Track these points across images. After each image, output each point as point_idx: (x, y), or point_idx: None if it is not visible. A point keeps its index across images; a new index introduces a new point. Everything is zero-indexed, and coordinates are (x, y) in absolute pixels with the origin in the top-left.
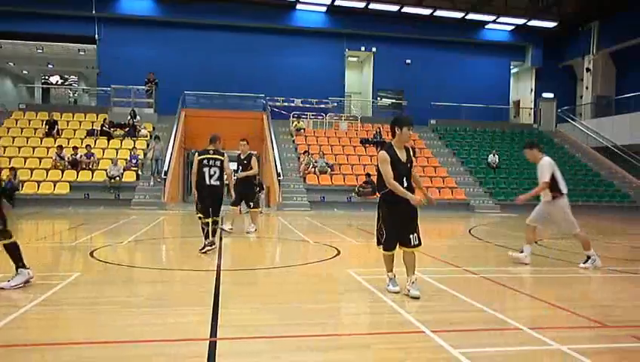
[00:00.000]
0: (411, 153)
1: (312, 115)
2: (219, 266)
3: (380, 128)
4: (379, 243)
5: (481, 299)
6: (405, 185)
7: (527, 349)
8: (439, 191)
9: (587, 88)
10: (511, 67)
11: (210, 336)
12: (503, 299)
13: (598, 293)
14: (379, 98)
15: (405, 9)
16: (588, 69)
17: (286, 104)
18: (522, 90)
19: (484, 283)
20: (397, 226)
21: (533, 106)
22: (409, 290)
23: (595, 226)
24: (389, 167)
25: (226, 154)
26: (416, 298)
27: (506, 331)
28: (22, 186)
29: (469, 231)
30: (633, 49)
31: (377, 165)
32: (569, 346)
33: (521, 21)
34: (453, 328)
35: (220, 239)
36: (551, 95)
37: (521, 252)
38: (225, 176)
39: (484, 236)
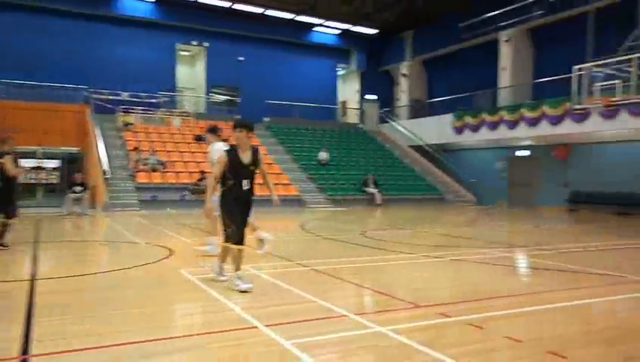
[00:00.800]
0: (258, 155)
1: (142, 110)
2: (33, 275)
3: (215, 125)
4: (229, 238)
5: (311, 291)
6: (247, 187)
7: (352, 334)
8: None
9: (403, 92)
10: (338, 69)
11: (22, 354)
12: (331, 288)
13: (412, 278)
14: (212, 94)
15: (237, 5)
16: (404, 75)
17: (112, 97)
18: (349, 91)
19: (314, 275)
20: (242, 219)
21: (358, 107)
22: (238, 285)
23: (410, 217)
24: (222, 168)
25: (8, 156)
26: (246, 291)
27: (333, 319)
28: None
29: (302, 226)
30: (441, 58)
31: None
32: (388, 327)
33: (345, 26)
34: (286, 320)
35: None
36: (374, 97)
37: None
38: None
39: (315, 230)
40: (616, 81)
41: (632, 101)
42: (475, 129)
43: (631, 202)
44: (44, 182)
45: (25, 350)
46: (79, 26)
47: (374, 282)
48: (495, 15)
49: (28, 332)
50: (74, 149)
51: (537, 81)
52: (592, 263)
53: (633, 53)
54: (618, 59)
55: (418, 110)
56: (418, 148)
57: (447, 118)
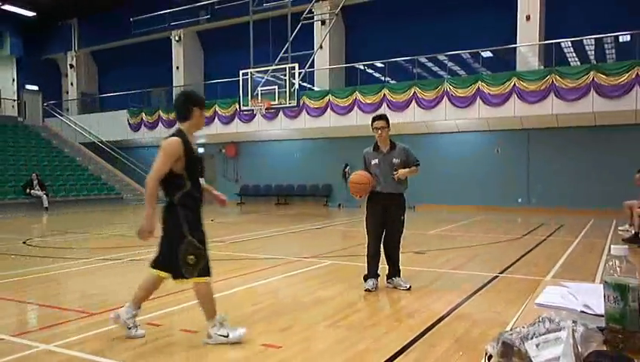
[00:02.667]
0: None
1: None
2: None
3: None
4: (194, 272)
5: None
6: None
7: (10, 358)
8: None
9: (72, 84)
10: None
11: None
12: None
13: (86, 284)
14: None
15: None
16: (71, 65)
17: None
18: (3, 79)
19: None
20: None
21: (16, 98)
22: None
23: (85, 219)
24: (171, 164)
25: None
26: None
27: None
28: None
29: None
30: (113, 50)
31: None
32: (55, 343)
33: None
34: None
35: None
36: (35, 87)
37: None
38: None
39: None
40: (274, 87)
41: (286, 105)
42: (152, 126)
43: (287, 193)
44: None
45: None
46: None
47: (40, 295)
48: (166, 13)
49: None
50: None
51: (208, 82)
52: (257, 250)
53: (285, 64)
54: (273, 67)
55: (89, 105)
56: (91, 145)
57: (122, 115)
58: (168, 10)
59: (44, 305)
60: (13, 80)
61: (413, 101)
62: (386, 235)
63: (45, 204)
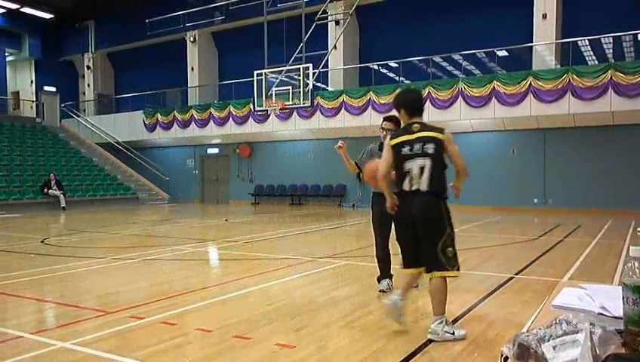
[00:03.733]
0: None
1: None
2: None
3: None
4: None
5: None
6: None
7: (30, 356)
8: None
9: (89, 85)
10: (7, 54)
11: None
12: (5, 307)
13: (102, 283)
14: None
15: None
16: (88, 67)
17: None
18: (21, 81)
19: None
20: None
21: (35, 99)
22: None
23: (101, 219)
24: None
25: None
26: None
27: (6, 342)
28: None
29: None
30: (128, 52)
31: None
32: (72, 341)
33: (13, 6)
34: None
35: None
36: (53, 89)
37: None
38: None
39: None
40: (288, 88)
41: (300, 106)
42: (167, 127)
43: (301, 193)
44: None
45: None
46: None
47: (58, 294)
48: (181, 15)
49: None
50: None
51: (222, 83)
52: (271, 250)
53: (299, 65)
54: (287, 68)
55: (106, 105)
56: (108, 146)
57: (138, 115)
58: (183, 12)
59: (61, 304)
60: (32, 81)
61: (428, 101)
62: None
63: (63, 203)
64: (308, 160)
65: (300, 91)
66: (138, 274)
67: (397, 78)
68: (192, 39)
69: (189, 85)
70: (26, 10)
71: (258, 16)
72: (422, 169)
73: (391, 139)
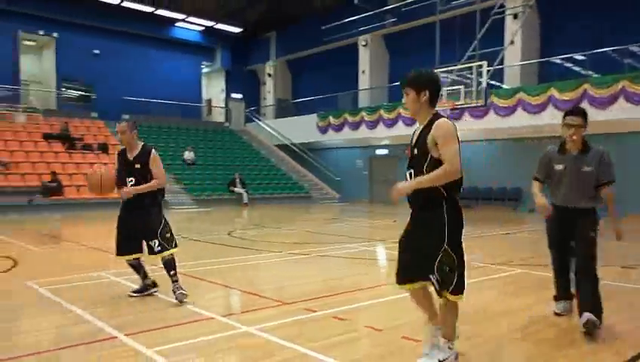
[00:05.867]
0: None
1: None
2: None
3: (67, 122)
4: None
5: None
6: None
7: (218, 336)
8: None
9: (269, 92)
10: (202, 67)
11: None
12: (197, 291)
13: (279, 275)
14: (64, 89)
15: None
16: (269, 74)
17: None
18: (214, 89)
19: (180, 279)
20: None
21: (224, 106)
22: None
23: (278, 215)
24: None
25: None
26: None
27: (199, 322)
28: None
29: None
30: (304, 59)
31: None
32: (254, 326)
33: (209, 23)
34: (148, 327)
35: None
36: (239, 96)
37: None
38: None
39: (180, 231)
40: (459, 87)
41: (472, 105)
42: (338, 129)
43: (471, 196)
44: None
45: None
46: None
47: (241, 282)
48: (354, 20)
49: None
50: None
51: (393, 84)
52: None
53: (472, 62)
54: (460, 67)
55: (283, 110)
56: (284, 148)
57: (312, 118)
58: (356, 17)
59: (245, 291)
60: (222, 90)
61: (622, 96)
62: (575, 258)
63: (245, 200)
64: (478, 161)
65: (472, 90)
66: (311, 268)
67: (583, 72)
68: (363, 43)
69: (359, 88)
70: (220, 26)
71: (430, 15)
72: None
73: None
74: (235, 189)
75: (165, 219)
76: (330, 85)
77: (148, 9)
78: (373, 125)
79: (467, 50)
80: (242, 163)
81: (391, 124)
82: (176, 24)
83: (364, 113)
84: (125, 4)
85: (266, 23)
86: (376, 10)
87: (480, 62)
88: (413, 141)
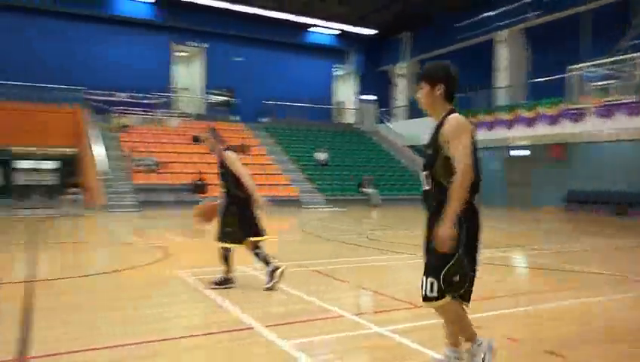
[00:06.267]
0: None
1: (138, 111)
2: (30, 277)
3: (213, 127)
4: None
5: (310, 291)
6: None
7: (350, 334)
8: (273, 189)
9: (401, 92)
10: (335, 70)
11: (19, 356)
12: (330, 289)
13: (411, 278)
14: (210, 95)
15: (235, 6)
16: (401, 75)
17: (107, 98)
18: (346, 91)
19: (313, 276)
20: None
21: (355, 107)
22: None
23: (408, 217)
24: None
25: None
26: None
27: (332, 319)
28: None
29: (300, 226)
30: (437, 58)
31: None
32: (386, 327)
33: (343, 27)
34: (284, 321)
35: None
36: (371, 97)
37: None
38: None
39: (314, 230)
40: (611, 81)
41: (626, 101)
42: None
43: (626, 201)
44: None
45: (23, 351)
46: (76, 27)
47: (373, 282)
48: (490, 15)
49: (26, 334)
50: (70, 150)
51: (532, 80)
52: (586, 262)
53: (629, 54)
54: (614, 59)
55: (415, 110)
56: (414, 148)
57: None
58: (493, 12)
59: (375, 292)
60: (354, 92)
61: None
62: None
63: (375, 201)
64: (631, 163)
65: (626, 85)
66: None
67: None
68: (500, 39)
69: (494, 86)
70: (354, 29)
71: (578, 5)
72: None
73: None
74: (365, 190)
75: (239, 216)
76: (463, 84)
77: (286, 16)
78: (509, 124)
79: (617, 42)
80: (372, 163)
81: (530, 122)
82: (311, 29)
83: (500, 112)
84: (266, 13)
85: (399, 24)
86: (516, 4)
87: (637, 54)
88: (427, 140)
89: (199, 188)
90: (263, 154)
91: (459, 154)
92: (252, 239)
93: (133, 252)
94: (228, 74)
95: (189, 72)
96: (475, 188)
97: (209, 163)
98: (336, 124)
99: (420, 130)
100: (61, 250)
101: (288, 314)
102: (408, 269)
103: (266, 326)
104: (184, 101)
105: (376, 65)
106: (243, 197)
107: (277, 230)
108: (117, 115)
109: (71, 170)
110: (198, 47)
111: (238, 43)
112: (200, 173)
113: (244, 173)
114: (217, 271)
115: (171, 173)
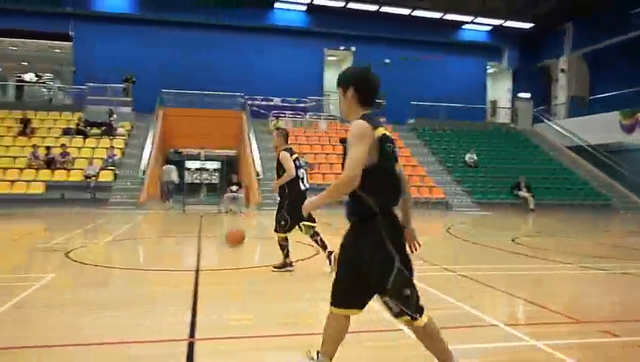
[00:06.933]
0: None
1: (291, 114)
2: (197, 266)
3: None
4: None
5: (458, 297)
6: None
7: (503, 345)
8: (418, 190)
9: (562, 89)
10: (488, 67)
11: (189, 337)
12: (480, 296)
13: (571, 290)
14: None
15: (384, 8)
16: (562, 70)
17: (265, 103)
18: (499, 90)
19: (460, 281)
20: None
21: (510, 106)
22: None
23: (569, 224)
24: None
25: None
26: None
27: (483, 328)
28: None
29: (447, 229)
30: (606, 50)
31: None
32: (543, 341)
33: (497, 22)
34: None
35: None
36: (527, 95)
37: None
38: None
39: (462, 234)
40: None
41: None
42: None
43: None
44: (206, 181)
45: (192, 333)
46: (237, 38)
47: (526, 292)
48: None
49: (194, 317)
50: (231, 152)
51: None
52: None
53: None
54: None
55: (578, 108)
56: (578, 149)
57: (614, 116)
58: None
59: (530, 302)
60: (508, 90)
61: None
62: None
63: (531, 205)
64: None
65: None
66: (610, 286)
67: None
68: None
69: None
70: (508, 23)
71: None
72: None
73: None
74: (520, 193)
75: (285, 209)
76: (635, 78)
77: (437, 15)
78: None
79: None
80: (528, 165)
81: None
82: (464, 27)
83: None
84: (416, 13)
85: (559, 15)
86: None
87: None
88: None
89: None
90: (408, 156)
91: (348, 162)
92: (304, 224)
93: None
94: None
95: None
96: (391, 199)
97: None
98: (488, 123)
99: (584, 130)
100: (223, 243)
101: (437, 319)
102: (567, 280)
103: None
104: (333, 104)
105: (532, 61)
106: (289, 192)
107: (422, 232)
108: (273, 118)
109: (232, 170)
110: (347, 50)
111: (385, 44)
112: None
113: (290, 171)
114: None
115: (320, 173)
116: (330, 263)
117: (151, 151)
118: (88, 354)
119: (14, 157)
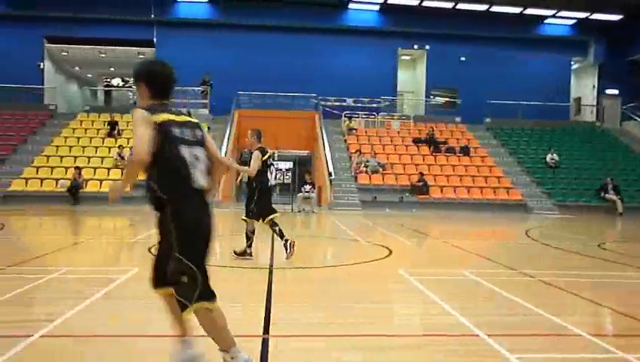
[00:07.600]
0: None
1: (364, 115)
2: (271, 264)
3: (433, 128)
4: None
5: (538, 303)
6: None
7: (589, 357)
8: (494, 192)
9: None
10: (572, 63)
11: (263, 333)
12: (562, 303)
13: None
14: (432, 97)
15: (460, 5)
16: None
17: (338, 103)
18: (583, 86)
19: (541, 287)
20: None
21: (595, 103)
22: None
23: None
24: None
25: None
26: None
27: (565, 337)
28: (86, 184)
29: (526, 232)
30: None
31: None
32: (634, 355)
33: (582, 15)
34: (509, 332)
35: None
36: (615, 91)
37: None
38: None
39: (541, 238)
40: None
41: None
42: None
43: None
44: (279, 181)
45: (266, 330)
46: (311, 39)
47: (614, 300)
48: None
49: (268, 314)
50: (304, 152)
51: None
52: None
53: None
54: None
55: None
56: None
57: None
58: None
59: (619, 312)
60: (594, 86)
61: None
62: None
63: (619, 209)
64: None
65: None
66: None
67: None
68: None
69: None
70: (594, 16)
71: None
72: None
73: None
74: (608, 196)
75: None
76: None
77: (516, 10)
78: None
79: None
80: (616, 166)
81: None
82: (545, 21)
83: None
84: (493, 8)
85: None
86: None
87: None
88: None
89: (419, 189)
90: (484, 156)
91: (134, 145)
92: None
93: (359, 248)
94: (450, 75)
95: (411, 74)
96: (178, 185)
97: (429, 164)
98: (572, 122)
99: None
100: (298, 242)
101: (515, 325)
102: None
103: (491, 335)
104: (406, 103)
105: (621, 55)
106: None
107: (499, 234)
108: (346, 119)
109: (305, 169)
110: (420, 49)
111: (460, 42)
112: (421, 174)
113: (251, 171)
114: (437, 273)
115: (392, 174)
116: (287, 250)
117: (226, 152)
118: (161, 345)
119: (102, 158)
